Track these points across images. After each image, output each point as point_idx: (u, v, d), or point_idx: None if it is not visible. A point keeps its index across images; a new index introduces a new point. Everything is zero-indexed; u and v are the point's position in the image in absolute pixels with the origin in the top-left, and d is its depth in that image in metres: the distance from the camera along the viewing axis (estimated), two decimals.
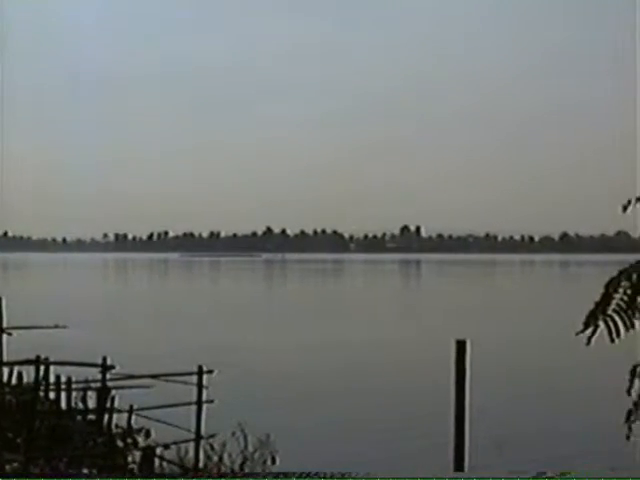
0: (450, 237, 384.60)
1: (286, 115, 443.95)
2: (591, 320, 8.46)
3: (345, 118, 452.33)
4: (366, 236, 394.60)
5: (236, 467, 15.43)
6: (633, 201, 8.50)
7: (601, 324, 8.42)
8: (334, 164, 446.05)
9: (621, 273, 8.34)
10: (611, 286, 8.39)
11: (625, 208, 8.52)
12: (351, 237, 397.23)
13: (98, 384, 16.90)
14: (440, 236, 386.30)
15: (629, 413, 8.24)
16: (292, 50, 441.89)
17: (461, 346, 12.32)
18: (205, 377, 16.13)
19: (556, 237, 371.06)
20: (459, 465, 12.66)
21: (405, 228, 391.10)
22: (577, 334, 8.50)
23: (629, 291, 8.23)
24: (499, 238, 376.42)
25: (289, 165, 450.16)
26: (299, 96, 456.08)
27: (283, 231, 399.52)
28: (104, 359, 16.55)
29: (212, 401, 16.27)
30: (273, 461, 15.85)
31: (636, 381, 8.37)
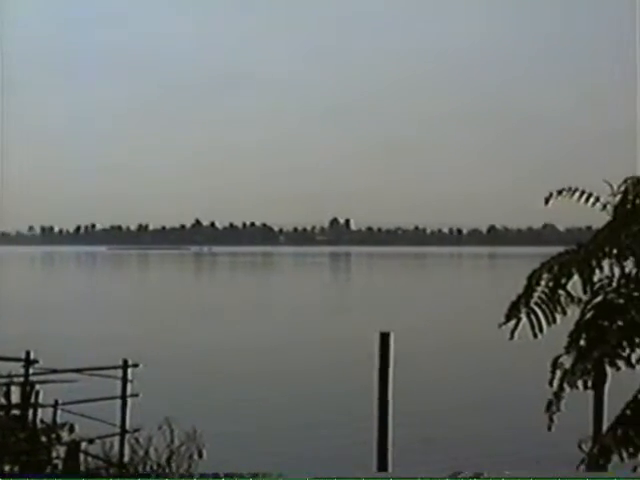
0: (379, 230, 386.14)
1: (227, 106, 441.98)
2: (513, 313, 8.52)
3: (269, 109, 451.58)
4: (296, 229, 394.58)
5: (162, 461, 15.32)
6: (554, 194, 8.57)
7: (523, 316, 8.47)
8: (262, 156, 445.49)
9: (543, 266, 8.41)
10: (533, 279, 8.45)
11: (547, 201, 8.59)
12: (280, 230, 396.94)
13: (21, 379, 16.64)
14: (369, 229, 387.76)
15: (549, 404, 8.31)
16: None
17: (385, 338, 12.33)
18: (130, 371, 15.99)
19: (484, 230, 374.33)
20: (382, 464, 12.60)
21: (334, 221, 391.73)
22: (500, 326, 8.55)
23: (550, 284, 8.29)
24: (428, 231, 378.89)
25: (218, 157, 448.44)
26: (237, 90, 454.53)
27: (212, 224, 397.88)
28: (27, 353, 16.30)
29: (137, 395, 16.13)
30: (200, 455, 15.74)
31: (557, 372, 8.45)
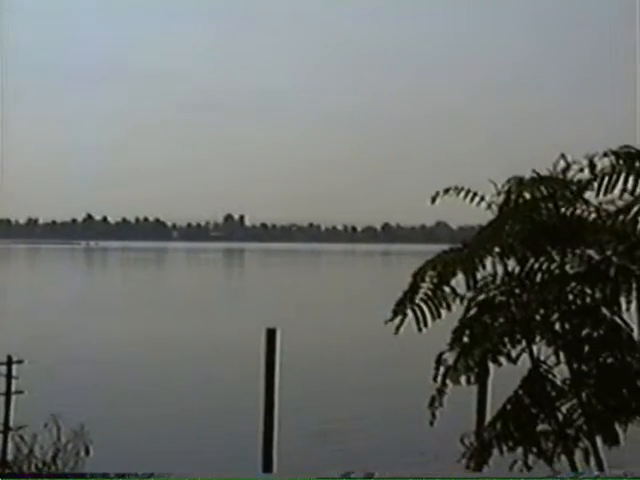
0: (274, 226, 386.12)
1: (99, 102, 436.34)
2: (399, 309, 8.64)
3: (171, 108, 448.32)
4: (189, 224, 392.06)
5: (48, 459, 15.08)
6: (441, 193, 8.70)
7: (409, 313, 8.60)
8: (153, 151, 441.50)
9: (427, 263, 8.54)
10: (418, 276, 8.58)
11: (434, 199, 8.72)
12: (174, 225, 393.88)
13: None
14: (264, 225, 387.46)
15: (432, 399, 8.46)
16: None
17: (271, 335, 12.37)
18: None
19: (378, 227, 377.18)
20: (267, 465, 12.58)
21: (229, 217, 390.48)
22: (386, 323, 8.66)
23: (435, 280, 8.43)
24: (322, 228, 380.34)
25: (110, 151, 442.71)
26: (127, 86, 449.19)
27: (104, 218, 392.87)
28: None
29: (22, 392, 15.85)
30: (87, 452, 15.55)
31: (441, 368, 8.59)
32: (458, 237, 10.60)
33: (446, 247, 8.65)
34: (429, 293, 8.51)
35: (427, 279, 8.51)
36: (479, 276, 8.47)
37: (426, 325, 8.57)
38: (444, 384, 8.45)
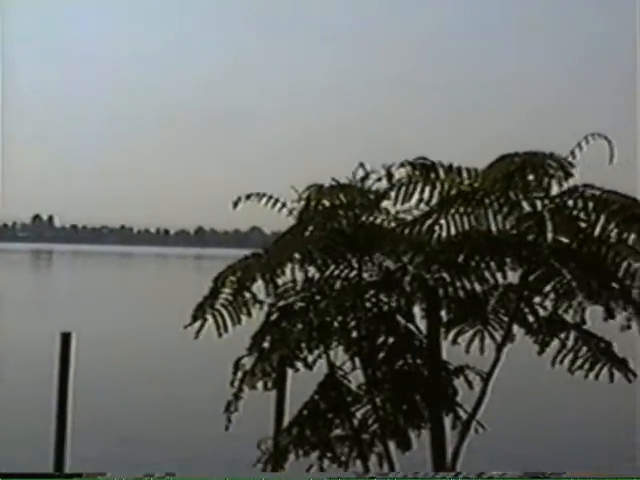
0: (84, 228, 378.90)
1: None
2: (199, 314, 8.62)
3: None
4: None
5: None
6: (243, 198, 8.74)
7: (209, 318, 8.59)
8: None
9: (228, 268, 8.55)
10: (219, 280, 8.58)
11: (235, 204, 8.74)
12: None
13: None
14: (74, 226, 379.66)
15: (228, 404, 8.48)
16: None
17: (66, 338, 12.15)
18: None
19: (191, 231, 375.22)
20: (59, 465, 12.34)
21: (37, 217, 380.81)
22: (185, 327, 8.63)
23: (235, 286, 8.45)
24: (135, 230, 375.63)
25: None
26: None
27: None
28: None
29: None
30: None
31: (239, 373, 8.62)
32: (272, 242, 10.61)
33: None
34: (229, 298, 8.53)
35: (228, 284, 8.53)
36: (280, 282, 8.54)
37: (226, 330, 8.59)
38: (240, 389, 8.49)
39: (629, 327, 8.15)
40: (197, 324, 8.58)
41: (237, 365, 8.59)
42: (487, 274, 8.28)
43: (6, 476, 8.58)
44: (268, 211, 8.70)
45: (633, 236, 8.21)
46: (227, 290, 8.52)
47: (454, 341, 8.53)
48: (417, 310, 8.63)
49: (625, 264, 8.19)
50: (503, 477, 6.48)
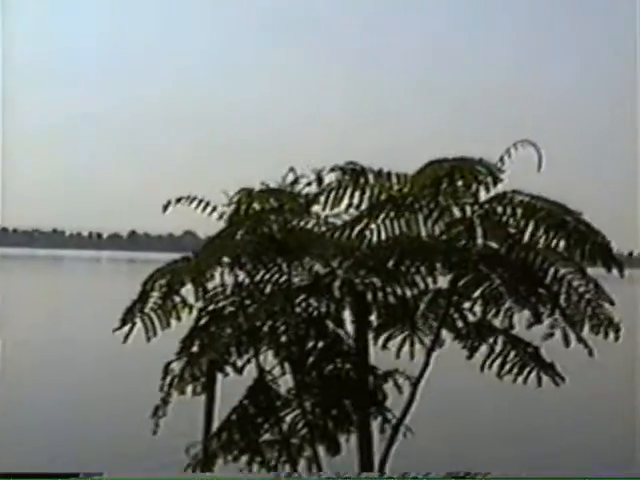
0: (15, 230, 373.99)
1: None
2: (128, 317, 8.56)
3: None
4: None
5: None
6: (173, 202, 8.68)
7: (138, 322, 8.53)
8: None
9: (157, 272, 8.49)
10: (148, 284, 8.52)
11: (165, 208, 8.68)
12: None
13: None
14: (4, 229, 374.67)
15: (156, 409, 8.42)
16: None
17: None
18: None
19: (124, 235, 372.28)
20: None
21: None
22: (114, 331, 8.56)
23: (164, 289, 8.39)
24: (67, 234, 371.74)
25: None
26: None
27: None
28: None
29: None
30: None
31: (168, 378, 8.56)
32: None
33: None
34: (158, 302, 8.47)
35: (157, 288, 8.47)
36: (210, 286, 8.50)
37: (155, 334, 8.53)
38: (169, 394, 8.44)
39: (552, 335, 8.23)
40: (126, 328, 8.51)
41: (166, 370, 8.54)
42: (417, 279, 8.30)
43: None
44: (202, 215, 8.66)
45: (562, 243, 8.28)
46: (156, 294, 8.46)
47: (384, 346, 8.54)
48: (347, 315, 8.63)
49: (552, 270, 8.27)
50: (427, 477, 6.50)
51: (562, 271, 8.27)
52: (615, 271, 8.30)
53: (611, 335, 8.31)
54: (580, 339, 8.31)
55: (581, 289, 8.29)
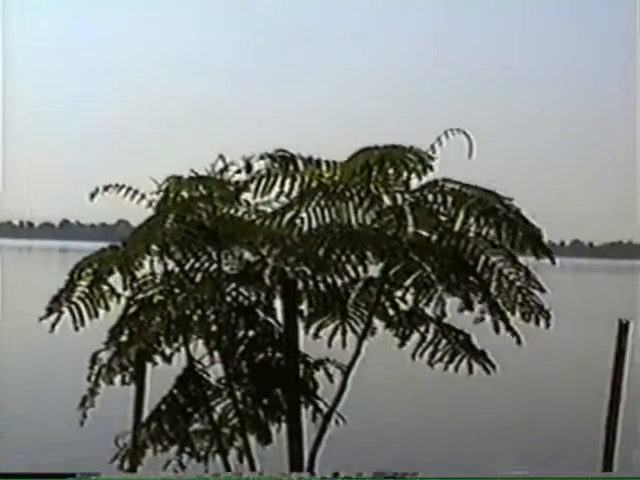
0: None
1: None
2: (55, 307, 8.44)
3: None
4: None
5: None
6: (100, 189, 8.55)
7: (66, 311, 8.42)
8: None
9: (85, 260, 8.39)
10: (75, 273, 8.41)
11: (92, 196, 8.54)
12: None
13: None
14: None
15: (84, 399, 8.33)
16: None
17: None
18: None
19: (56, 224, 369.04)
20: None
21: None
22: (40, 320, 8.44)
23: (92, 278, 8.29)
24: None
25: None
26: None
27: None
28: None
29: None
30: None
31: (95, 368, 8.47)
32: None
33: None
34: (86, 291, 8.34)
35: (84, 277, 8.35)
36: (139, 275, 8.39)
37: (83, 324, 8.40)
38: (97, 384, 8.33)
39: (482, 319, 8.27)
40: (53, 317, 8.38)
41: (94, 360, 8.42)
42: (348, 268, 8.27)
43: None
44: (136, 204, 8.54)
45: (492, 231, 8.31)
46: (84, 283, 8.33)
47: (316, 335, 8.51)
48: (279, 304, 8.58)
49: (483, 257, 8.29)
50: (359, 477, 6.49)
51: (493, 259, 8.29)
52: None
53: (542, 322, 8.36)
54: (509, 327, 8.36)
55: (512, 276, 8.32)
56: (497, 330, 8.28)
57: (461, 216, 8.25)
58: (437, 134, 8.20)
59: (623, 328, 8.77)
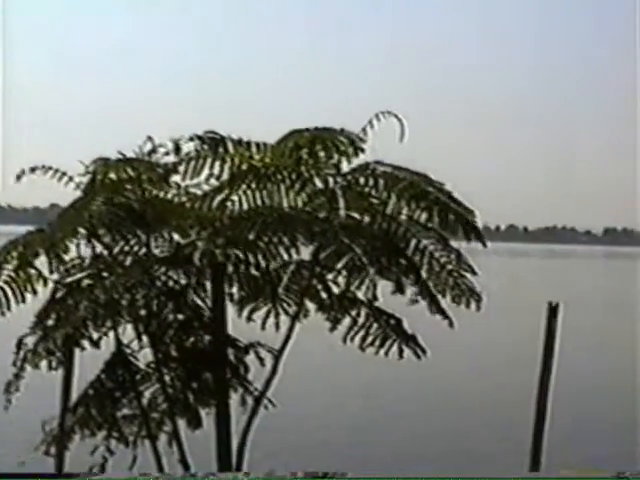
0: None
1: None
2: None
3: None
4: None
5: None
6: (27, 171, 8.38)
7: None
8: None
9: (10, 243, 8.21)
10: (0, 256, 8.23)
11: (19, 177, 8.37)
12: None
13: None
14: None
15: (8, 384, 8.18)
16: None
17: None
18: None
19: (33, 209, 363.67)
20: None
21: None
22: None
23: (17, 261, 8.12)
24: None
25: None
26: None
27: None
28: None
29: None
30: None
31: (21, 352, 8.32)
32: None
33: None
34: (12, 275, 8.16)
35: (9, 260, 8.16)
36: (67, 258, 8.22)
37: (9, 308, 8.22)
38: (22, 369, 8.16)
39: (416, 301, 8.24)
40: None
41: (19, 344, 8.25)
42: (279, 251, 8.18)
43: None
44: (69, 188, 8.36)
45: (424, 214, 8.29)
46: (9, 266, 8.14)
47: (249, 318, 8.42)
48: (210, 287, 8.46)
49: (414, 240, 8.26)
50: (293, 477, 6.45)
51: (424, 242, 8.26)
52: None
53: (473, 305, 8.35)
54: (440, 309, 8.35)
55: (443, 259, 8.30)
56: (431, 311, 8.28)
57: (393, 199, 8.20)
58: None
59: (552, 311, 8.78)
